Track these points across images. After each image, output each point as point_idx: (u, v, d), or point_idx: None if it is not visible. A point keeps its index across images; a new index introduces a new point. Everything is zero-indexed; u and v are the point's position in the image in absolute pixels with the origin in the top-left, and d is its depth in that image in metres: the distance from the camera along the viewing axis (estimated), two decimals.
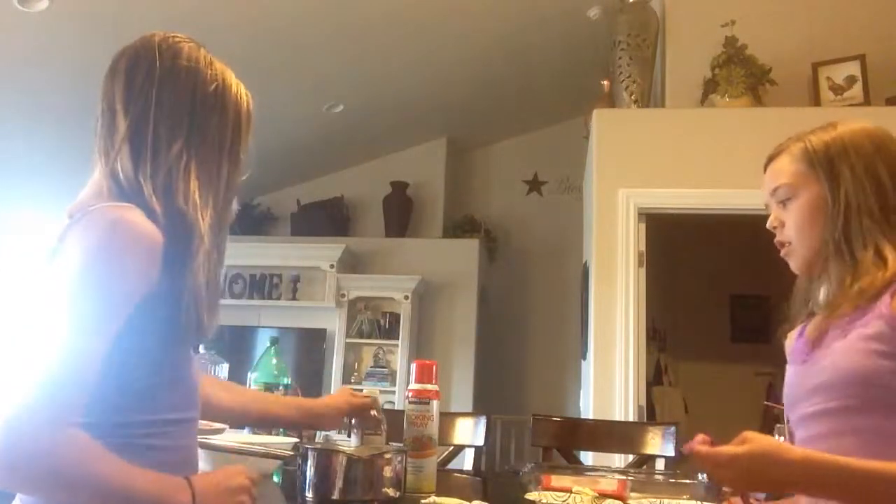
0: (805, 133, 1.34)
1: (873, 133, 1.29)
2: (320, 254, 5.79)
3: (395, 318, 5.76)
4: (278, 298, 5.86)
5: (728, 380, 5.63)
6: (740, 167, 3.53)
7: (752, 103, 3.65)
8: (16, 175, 5.02)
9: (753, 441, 1.12)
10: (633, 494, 1.41)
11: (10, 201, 5.13)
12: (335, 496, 1.31)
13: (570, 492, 1.38)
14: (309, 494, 1.32)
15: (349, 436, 1.60)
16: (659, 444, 2.22)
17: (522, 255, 6.59)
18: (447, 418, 2.28)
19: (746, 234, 5.12)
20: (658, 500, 1.40)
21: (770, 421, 4.59)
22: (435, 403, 1.53)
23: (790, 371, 1.32)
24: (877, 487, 1.06)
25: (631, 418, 3.40)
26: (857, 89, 3.65)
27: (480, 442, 2.28)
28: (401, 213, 6.28)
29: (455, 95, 5.71)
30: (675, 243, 5.13)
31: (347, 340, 5.77)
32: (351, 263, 5.98)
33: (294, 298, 5.85)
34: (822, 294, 1.28)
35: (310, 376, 5.58)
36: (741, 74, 3.62)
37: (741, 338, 5.81)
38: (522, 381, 6.38)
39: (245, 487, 1.10)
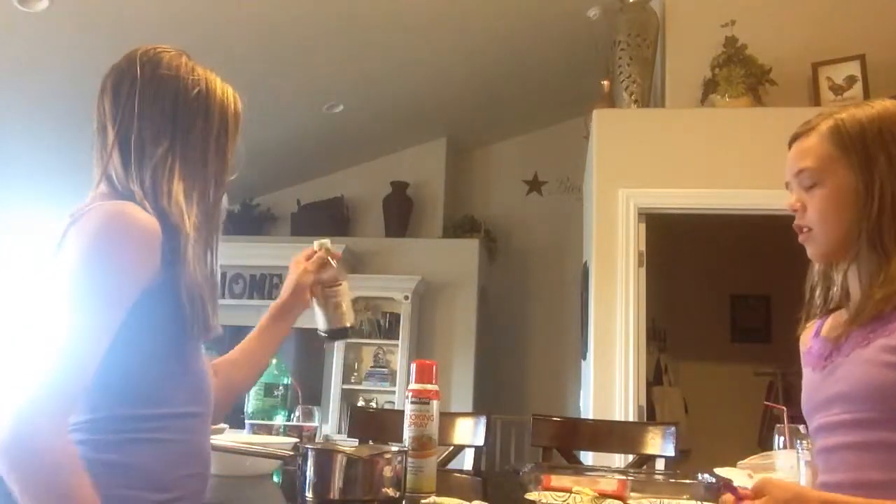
0: (837, 109, 1.19)
1: None
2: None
3: (395, 318, 5.76)
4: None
5: (728, 380, 5.63)
6: (740, 167, 3.55)
7: (752, 103, 3.66)
8: (16, 175, 5.02)
9: (772, 491, 1.06)
10: (633, 494, 1.41)
11: (10, 201, 5.13)
12: (335, 496, 1.31)
13: (570, 492, 1.38)
14: (309, 494, 1.32)
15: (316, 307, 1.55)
16: (659, 444, 2.22)
17: (522, 255, 6.59)
18: (447, 418, 2.28)
19: (746, 234, 5.17)
20: (658, 500, 1.40)
21: (770, 421, 4.60)
22: (435, 403, 1.53)
23: (808, 376, 1.25)
24: None
25: (631, 418, 3.40)
26: (857, 89, 3.65)
27: (480, 442, 2.28)
28: (401, 213, 6.28)
29: (455, 95, 5.71)
30: (675, 243, 5.13)
31: (347, 340, 5.76)
32: (351, 263, 5.98)
33: None
34: (848, 287, 1.20)
35: (310, 376, 5.58)
36: (741, 74, 3.62)
37: (741, 338, 5.81)
38: (522, 381, 6.38)
39: None
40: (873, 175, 1.13)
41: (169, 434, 1.12)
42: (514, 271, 6.56)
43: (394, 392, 5.57)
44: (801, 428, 1.51)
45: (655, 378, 5.36)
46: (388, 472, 1.34)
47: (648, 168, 3.66)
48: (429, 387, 1.54)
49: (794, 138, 1.23)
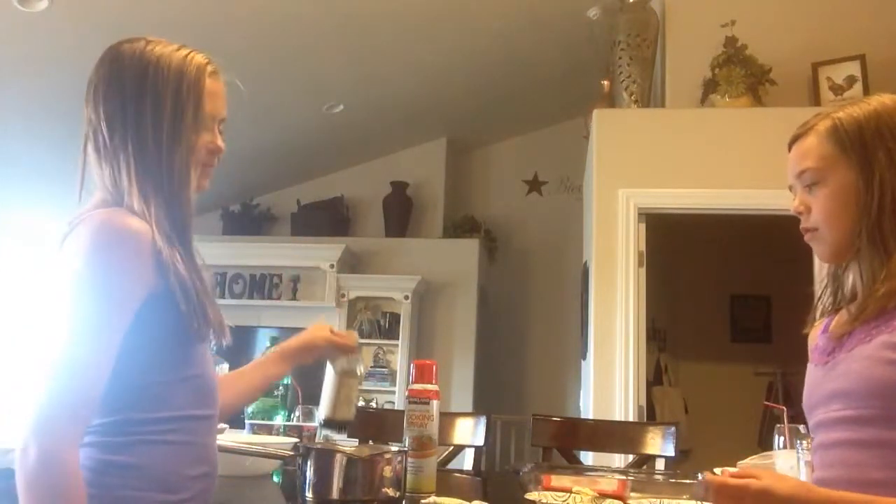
0: (834, 109, 1.19)
1: None
2: (320, 254, 5.79)
3: (395, 318, 5.76)
4: (278, 298, 5.86)
5: (728, 380, 5.62)
6: (740, 167, 3.55)
7: (752, 103, 3.65)
8: (16, 175, 5.01)
9: (774, 485, 1.05)
10: (633, 494, 1.41)
11: (10, 201, 5.12)
12: (335, 496, 1.31)
13: (570, 492, 1.38)
14: (309, 494, 1.32)
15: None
16: (659, 444, 2.22)
17: (522, 255, 6.59)
18: (447, 418, 2.28)
19: (746, 234, 5.17)
20: (658, 500, 1.40)
21: (770, 421, 4.60)
22: (435, 403, 1.53)
23: (810, 371, 1.25)
24: None
25: (631, 418, 3.40)
26: (857, 89, 3.65)
27: (480, 442, 2.28)
28: (401, 213, 6.27)
29: (455, 95, 5.71)
30: (675, 243, 5.13)
31: None
32: (351, 263, 5.98)
33: (294, 298, 5.84)
34: (851, 286, 1.20)
35: (310, 376, 5.56)
36: (741, 74, 3.62)
37: (741, 338, 5.81)
38: (522, 381, 6.38)
39: None
40: (873, 172, 1.13)
41: (177, 436, 1.13)
42: (514, 271, 6.56)
43: (394, 392, 5.57)
44: (801, 428, 1.51)
45: (655, 378, 5.36)
46: (388, 472, 1.34)
47: (648, 168, 3.66)
48: (429, 387, 1.54)
49: (794, 140, 1.23)
